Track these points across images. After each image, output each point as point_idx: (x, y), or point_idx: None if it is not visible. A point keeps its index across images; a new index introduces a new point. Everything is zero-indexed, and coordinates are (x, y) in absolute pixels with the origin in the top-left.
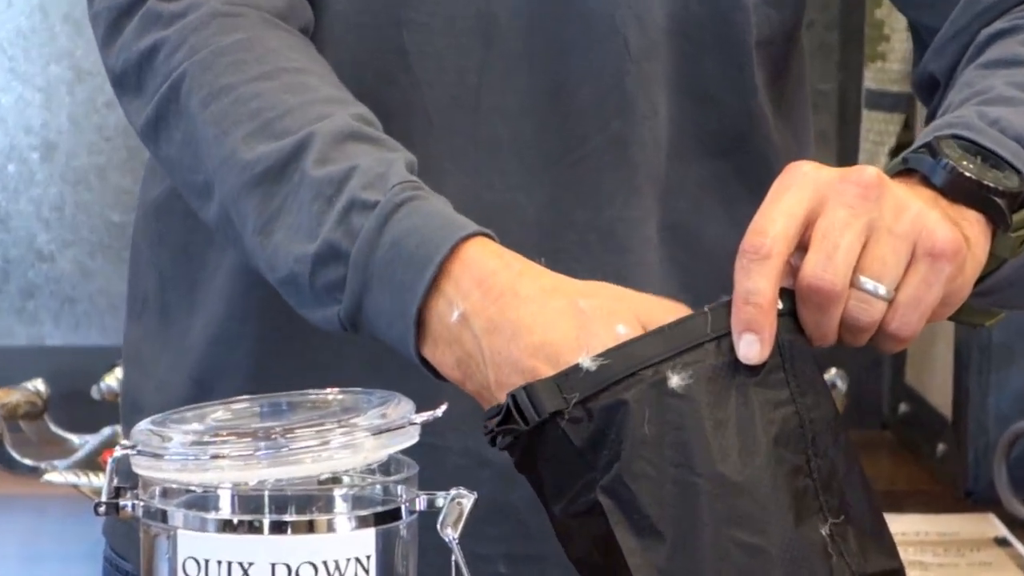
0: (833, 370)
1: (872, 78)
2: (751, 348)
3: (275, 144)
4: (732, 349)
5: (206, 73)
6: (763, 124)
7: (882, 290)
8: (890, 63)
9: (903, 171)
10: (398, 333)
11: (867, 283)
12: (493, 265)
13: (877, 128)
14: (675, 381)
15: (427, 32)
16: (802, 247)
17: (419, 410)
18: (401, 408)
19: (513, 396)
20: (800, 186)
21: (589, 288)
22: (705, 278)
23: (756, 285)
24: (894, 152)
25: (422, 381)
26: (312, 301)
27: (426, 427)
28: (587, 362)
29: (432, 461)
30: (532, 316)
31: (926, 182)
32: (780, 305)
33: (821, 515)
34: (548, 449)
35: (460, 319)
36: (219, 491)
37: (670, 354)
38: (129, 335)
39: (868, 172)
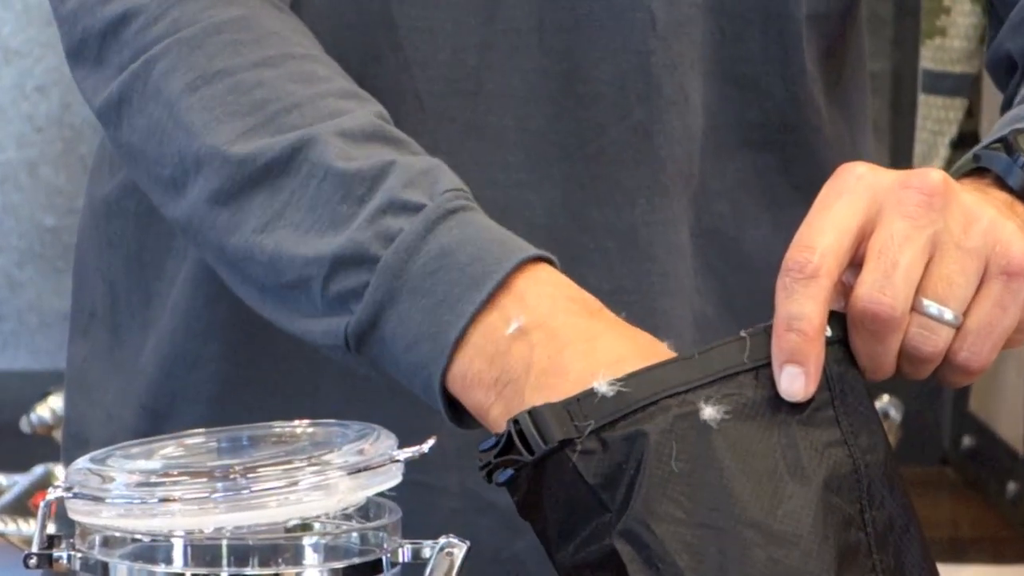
0: (886, 397)
1: (930, 57)
2: (794, 382)
3: (280, 137)
4: (773, 382)
5: (195, 53)
6: (813, 113)
7: (948, 315)
8: (951, 39)
9: (974, 170)
10: (419, 357)
11: (931, 307)
12: (568, 292)
13: (936, 115)
14: (708, 413)
15: (420, 3)
16: (855, 264)
17: (407, 445)
18: (381, 443)
19: (516, 421)
20: (853, 192)
21: None
22: (746, 293)
23: (801, 309)
24: (956, 143)
25: (410, 410)
26: (318, 311)
27: (418, 465)
28: (603, 386)
29: (424, 504)
30: (615, 342)
31: (1000, 184)
32: (829, 332)
33: None
34: (555, 486)
35: (518, 332)
36: (169, 540)
37: (700, 383)
38: (73, 355)
39: (932, 177)
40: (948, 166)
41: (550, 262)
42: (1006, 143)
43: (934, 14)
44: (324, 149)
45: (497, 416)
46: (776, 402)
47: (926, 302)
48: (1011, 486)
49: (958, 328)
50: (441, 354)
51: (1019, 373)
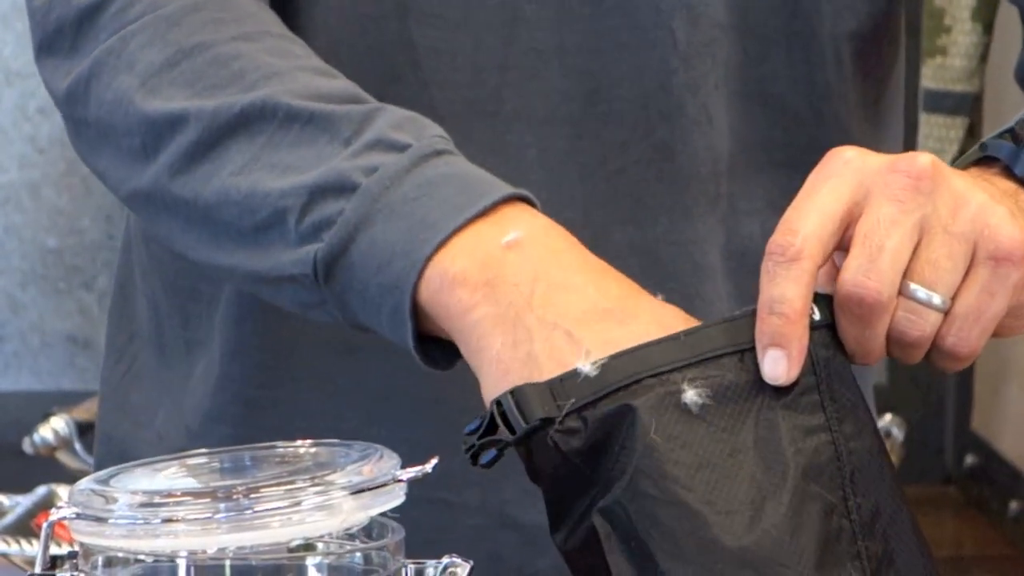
0: (888, 417)
1: (930, 76)
2: (777, 365)
3: (256, 91)
4: (757, 365)
5: (173, 30)
6: (840, 132)
7: (936, 299)
8: (951, 59)
9: (981, 159)
10: (391, 277)
11: (918, 291)
12: (561, 229)
13: (937, 134)
14: (690, 396)
15: (439, 24)
16: (843, 248)
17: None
18: (384, 463)
19: (498, 403)
20: (840, 176)
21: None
22: None
23: (783, 292)
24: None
25: (432, 432)
26: (291, 242)
27: (440, 482)
28: (586, 366)
29: (446, 522)
30: (602, 268)
31: (1007, 172)
32: (817, 315)
33: (859, 563)
34: (543, 466)
35: (513, 242)
36: (173, 560)
37: (684, 363)
38: (110, 375)
39: (921, 160)
40: None
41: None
42: (1013, 133)
43: (935, 33)
44: (299, 97)
45: (481, 317)
46: (760, 385)
47: (913, 286)
48: (1014, 505)
49: (946, 313)
50: (415, 266)
51: (1021, 391)
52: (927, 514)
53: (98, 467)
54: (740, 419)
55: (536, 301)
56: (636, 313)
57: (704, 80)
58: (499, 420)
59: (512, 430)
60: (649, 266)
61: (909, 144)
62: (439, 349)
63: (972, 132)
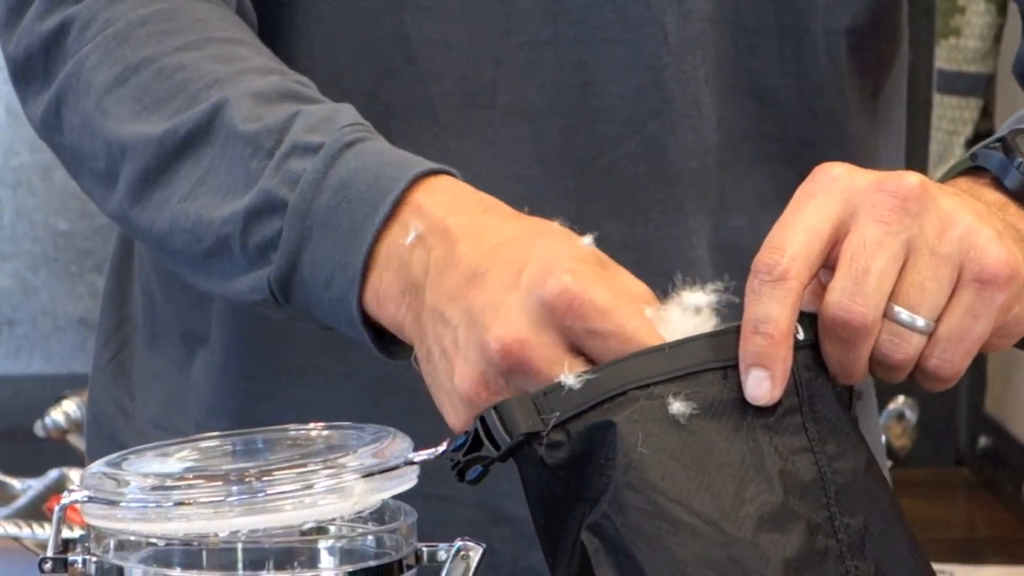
0: (901, 399)
1: (944, 57)
2: (760, 386)
3: (197, 108)
4: (740, 383)
5: (121, 47)
6: (833, 128)
7: (920, 322)
8: (965, 39)
9: (972, 168)
10: (336, 291)
11: (902, 313)
12: (464, 195)
13: (951, 115)
14: (676, 408)
15: (434, 17)
16: (830, 266)
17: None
18: (396, 446)
19: (482, 419)
20: (828, 194)
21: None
22: None
23: (768, 312)
24: (971, 143)
25: (427, 427)
26: (242, 267)
27: (433, 476)
28: (569, 379)
29: (440, 515)
30: (493, 227)
31: (997, 184)
32: (800, 335)
33: None
34: (531, 484)
35: (416, 240)
36: (185, 544)
37: (669, 376)
38: (99, 358)
39: (908, 180)
40: None
41: (450, 175)
42: (1004, 143)
43: (948, 14)
44: (235, 113)
45: (410, 329)
46: (743, 404)
47: (897, 309)
48: None
49: (930, 335)
50: (353, 281)
51: None
52: (939, 496)
53: (89, 449)
54: (724, 435)
55: (427, 294)
56: (488, 272)
57: (694, 74)
58: (483, 436)
59: (497, 446)
60: (641, 261)
61: (923, 125)
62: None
63: (986, 112)
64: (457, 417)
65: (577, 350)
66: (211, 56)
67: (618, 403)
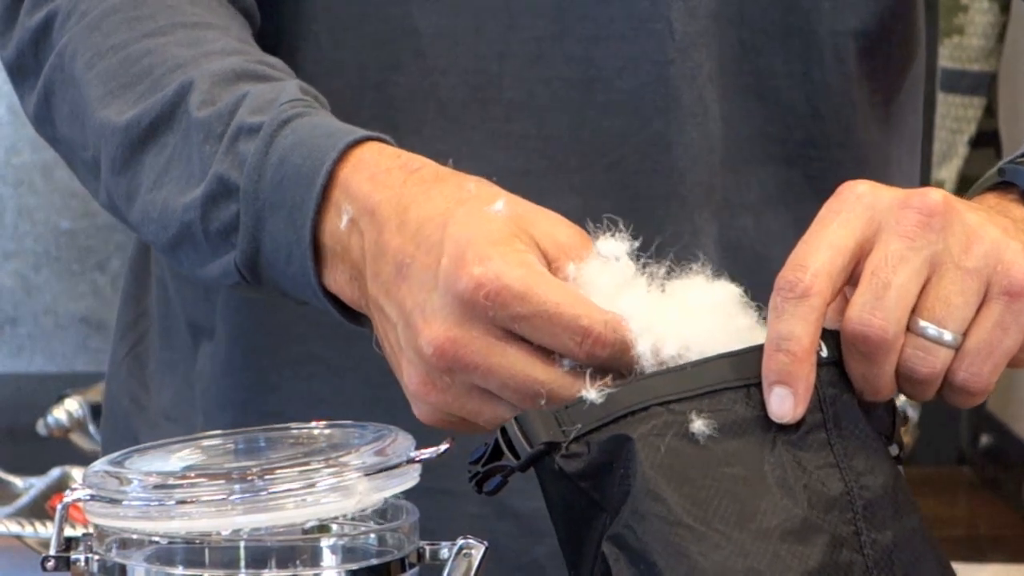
0: (902, 397)
1: (948, 56)
2: (783, 403)
3: (160, 95)
4: (763, 401)
5: (94, 34)
6: (839, 130)
7: (947, 336)
8: (968, 38)
9: (999, 184)
10: (297, 267)
11: (928, 328)
12: (388, 164)
13: (954, 113)
14: (697, 426)
15: (441, 10)
16: (853, 283)
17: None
18: (399, 444)
19: (503, 430)
20: (852, 211)
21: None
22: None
23: (791, 329)
24: (974, 141)
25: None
26: (208, 254)
27: (437, 471)
28: (592, 394)
29: (444, 510)
30: (415, 200)
31: None
32: (824, 352)
33: None
34: (552, 495)
35: (349, 224)
36: (187, 542)
37: (691, 394)
38: (116, 351)
39: (932, 196)
40: (966, 164)
41: (380, 140)
42: None
43: (951, 12)
44: (191, 99)
45: (367, 312)
46: (766, 421)
47: (923, 323)
48: None
49: (958, 349)
50: (305, 257)
51: None
52: (941, 494)
53: (104, 442)
54: (747, 449)
55: (370, 285)
56: (412, 264)
57: (699, 71)
58: (504, 447)
59: (517, 455)
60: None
61: (926, 124)
62: None
63: (989, 111)
64: (418, 411)
65: (511, 333)
66: (177, 41)
67: (640, 418)
